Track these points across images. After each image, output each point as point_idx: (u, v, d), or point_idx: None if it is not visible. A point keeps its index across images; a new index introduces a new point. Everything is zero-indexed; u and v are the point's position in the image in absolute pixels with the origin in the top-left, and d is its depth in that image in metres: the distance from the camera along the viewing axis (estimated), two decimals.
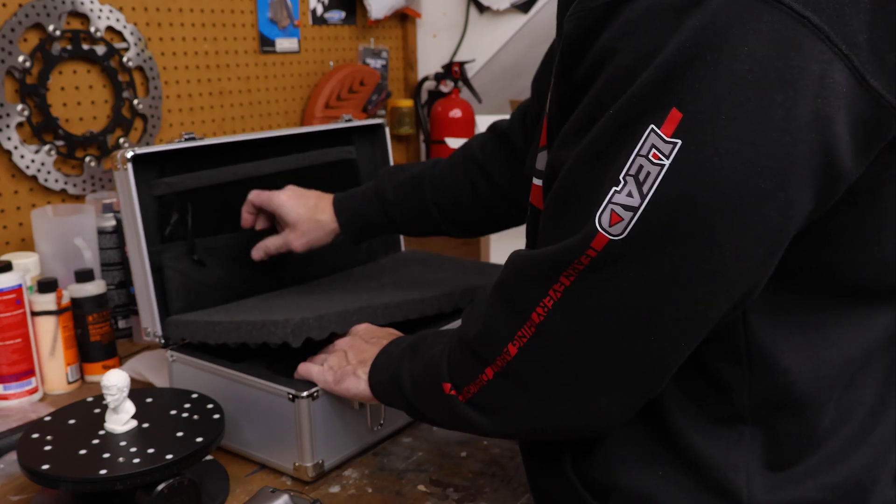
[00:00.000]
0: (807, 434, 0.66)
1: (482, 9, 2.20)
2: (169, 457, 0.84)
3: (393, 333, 0.97)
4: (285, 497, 0.83)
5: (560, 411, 0.65)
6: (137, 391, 0.96)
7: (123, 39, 1.50)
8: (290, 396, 0.93)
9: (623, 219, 0.55)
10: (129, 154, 1.05)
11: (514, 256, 0.67)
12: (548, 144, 0.71)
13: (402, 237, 1.49)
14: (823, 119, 0.53)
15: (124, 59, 1.50)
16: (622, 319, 0.59)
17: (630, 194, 0.55)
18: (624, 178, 0.55)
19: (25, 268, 1.20)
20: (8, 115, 1.34)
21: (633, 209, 0.55)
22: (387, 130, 1.44)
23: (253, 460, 0.99)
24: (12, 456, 0.97)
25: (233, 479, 0.95)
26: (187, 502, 0.85)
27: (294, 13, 1.85)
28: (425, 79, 2.20)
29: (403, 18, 2.19)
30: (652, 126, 0.54)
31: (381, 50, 2.12)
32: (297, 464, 0.94)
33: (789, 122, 0.52)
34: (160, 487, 0.83)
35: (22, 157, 1.37)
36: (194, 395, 0.98)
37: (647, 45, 0.54)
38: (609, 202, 0.56)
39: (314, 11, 1.91)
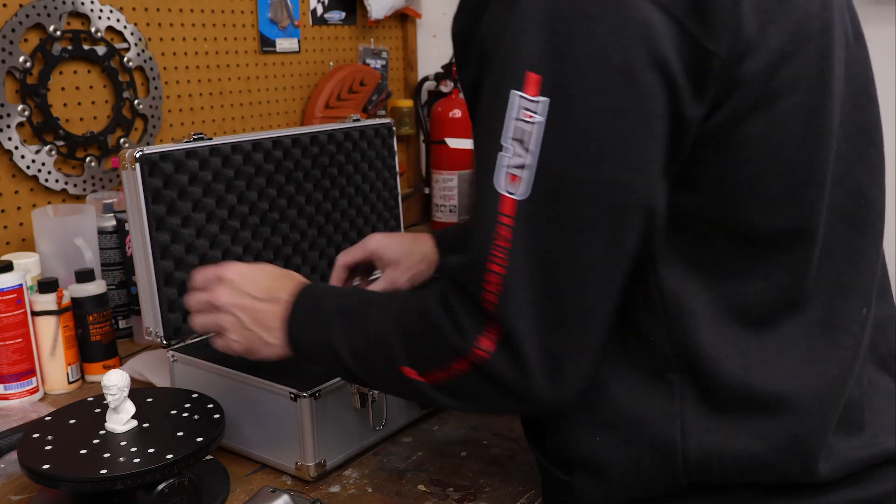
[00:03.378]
0: (729, 380, 0.67)
1: None
2: (169, 456, 0.84)
3: (276, 278, 0.88)
4: (285, 497, 0.83)
5: (534, 394, 0.67)
6: (138, 391, 0.96)
7: (124, 40, 1.50)
8: (292, 396, 0.93)
9: (520, 178, 0.62)
10: (137, 154, 1.05)
11: (453, 259, 0.70)
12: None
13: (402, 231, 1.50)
14: (660, 59, 0.60)
15: (125, 60, 1.50)
16: (558, 279, 0.64)
17: (518, 154, 0.62)
18: (506, 142, 0.62)
19: (26, 268, 1.20)
20: (8, 115, 1.34)
21: (527, 167, 0.62)
22: (394, 130, 1.44)
23: (253, 460, 0.99)
24: (13, 456, 0.97)
25: (233, 479, 0.95)
26: (187, 502, 0.85)
27: (294, 13, 1.85)
28: (425, 79, 2.20)
29: (403, 18, 2.19)
30: (513, 90, 0.62)
31: (381, 50, 2.12)
32: (299, 463, 0.95)
33: (629, 64, 0.60)
34: (160, 487, 0.83)
35: (22, 157, 1.37)
36: (194, 395, 0.98)
37: (499, 26, 0.64)
38: (500, 166, 0.63)
39: (314, 11, 1.91)
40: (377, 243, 1.11)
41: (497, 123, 0.63)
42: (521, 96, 0.61)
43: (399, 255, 1.10)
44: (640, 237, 0.65)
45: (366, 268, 1.15)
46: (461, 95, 2.14)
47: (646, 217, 0.64)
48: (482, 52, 0.67)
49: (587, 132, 0.61)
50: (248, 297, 0.85)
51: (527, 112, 0.61)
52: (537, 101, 0.61)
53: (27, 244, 1.39)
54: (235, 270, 0.88)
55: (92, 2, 1.43)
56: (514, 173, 0.62)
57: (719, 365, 0.67)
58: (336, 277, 1.14)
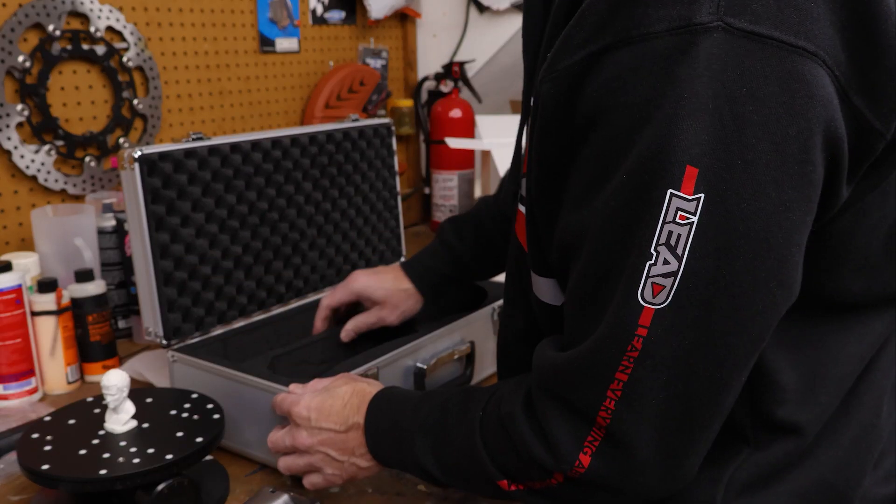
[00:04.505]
0: (796, 451, 0.65)
1: (482, 9, 2.20)
2: (169, 457, 0.83)
3: (351, 397, 0.84)
4: (285, 497, 0.83)
5: (647, 491, 0.63)
6: (137, 391, 0.96)
7: (123, 39, 1.49)
8: None
9: (665, 286, 0.54)
10: (136, 154, 1.05)
11: (552, 361, 0.64)
12: (527, 175, 0.70)
13: (403, 246, 1.50)
14: (838, 139, 0.53)
15: (124, 59, 1.50)
16: (691, 387, 0.57)
17: (666, 261, 0.54)
18: (655, 249, 0.54)
19: (25, 268, 1.20)
20: (8, 115, 1.34)
21: (673, 274, 0.53)
22: (393, 130, 1.44)
23: (253, 460, 0.99)
24: (12, 456, 0.97)
25: (233, 479, 0.95)
26: (187, 502, 0.85)
27: (294, 13, 1.85)
28: (425, 79, 2.20)
29: (403, 18, 2.19)
30: (671, 190, 0.52)
31: (381, 50, 2.12)
32: None
33: (808, 152, 0.52)
34: (160, 487, 0.83)
35: (22, 157, 1.37)
36: (194, 395, 0.98)
37: (643, 100, 0.53)
38: (647, 277, 0.54)
39: (314, 11, 1.91)
40: (362, 284, 1.15)
41: (645, 228, 0.54)
42: (678, 196, 0.52)
43: (385, 295, 1.14)
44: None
45: (350, 306, 1.20)
46: (461, 95, 2.14)
47: (786, 310, 0.57)
48: (591, 121, 0.57)
49: (750, 232, 0.52)
50: (327, 431, 0.83)
51: (682, 214, 0.52)
52: (693, 200, 0.52)
53: (26, 244, 1.39)
54: (305, 406, 0.85)
55: (91, 1, 1.43)
56: (660, 283, 0.54)
57: (797, 437, 0.65)
58: (321, 317, 1.19)
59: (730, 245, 0.53)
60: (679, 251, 0.53)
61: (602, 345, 0.58)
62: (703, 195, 0.52)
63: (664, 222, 0.53)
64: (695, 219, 0.52)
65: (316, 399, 0.85)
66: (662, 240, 0.53)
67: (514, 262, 0.81)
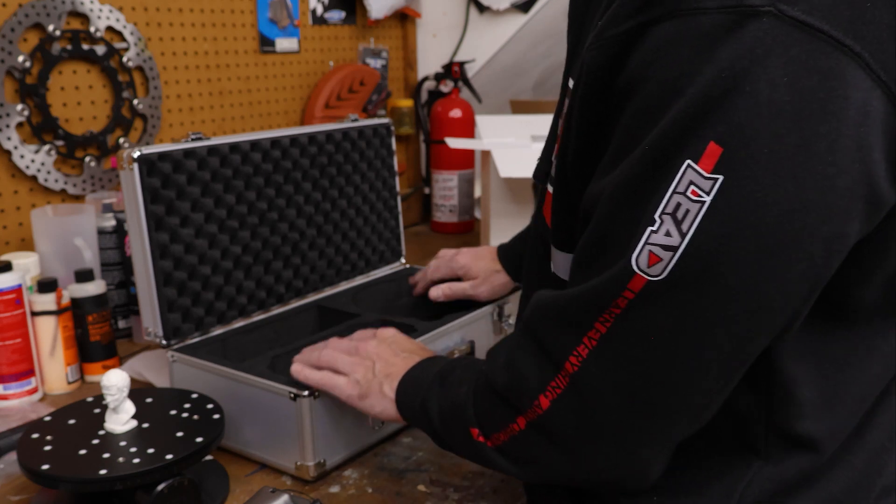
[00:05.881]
0: (811, 469, 0.65)
1: (482, 9, 2.20)
2: (169, 457, 0.83)
3: (423, 349, 0.94)
4: (285, 497, 0.83)
5: (598, 466, 0.62)
6: (137, 391, 0.96)
7: (123, 39, 1.49)
8: (292, 395, 0.93)
9: (662, 259, 0.54)
10: (136, 154, 1.05)
11: (541, 299, 0.64)
12: (560, 157, 0.69)
13: (403, 246, 1.50)
14: (865, 148, 0.51)
15: (124, 59, 1.50)
16: (664, 365, 0.57)
17: (668, 233, 0.53)
18: (660, 216, 0.53)
19: (25, 268, 1.20)
20: (8, 115, 1.34)
21: (673, 249, 0.53)
22: (392, 130, 1.44)
23: (253, 460, 0.99)
24: (12, 456, 0.97)
25: (233, 479, 0.95)
26: (187, 502, 0.85)
27: (294, 13, 1.85)
28: (425, 79, 2.20)
29: (403, 18, 2.19)
30: (689, 161, 0.52)
31: (381, 50, 2.12)
32: (298, 463, 0.94)
33: (834, 154, 0.51)
34: (160, 487, 0.83)
35: (22, 156, 1.37)
36: (194, 395, 0.98)
37: (678, 74, 0.52)
38: (646, 243, 0.54)
39: (314, 11, 1.91)
40: (463, 263, 1.24)
41: (656, 194, 0.54)
42: (695, 169, 0.51)
43: (481, 271, 1.23)
44: (772, 338, 0.57)
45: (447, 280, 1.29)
46: (461, 95, 2.14)
47: (787, 324, 0.56)
48: (627, 92, 0.57)
49: (760, 224, 0.51)
50: (390, 351, 0.91)
51: (695, 189, 0.52)
52: (710, 179, 0.51)
53: (26, 244, 1.39)
54: (391, 332, 0.95)
55: (91, 1, 1.43)
56: (658, 254, 0.54)
57: (813, 454, 0.64)
58: (421, 285, 1.31)
59: (738, 233, 0.52)
60: (684, 228, 0.52)
61: (589, 292, 0.58)
62: (721, 177, 0.51)
63: (674, 192, 0.53)
64: (708, 199, 0.51)
65: (400, 334, 0.96)
66: (669, 209, 0.53)
67: (540, 243, 0.81)
